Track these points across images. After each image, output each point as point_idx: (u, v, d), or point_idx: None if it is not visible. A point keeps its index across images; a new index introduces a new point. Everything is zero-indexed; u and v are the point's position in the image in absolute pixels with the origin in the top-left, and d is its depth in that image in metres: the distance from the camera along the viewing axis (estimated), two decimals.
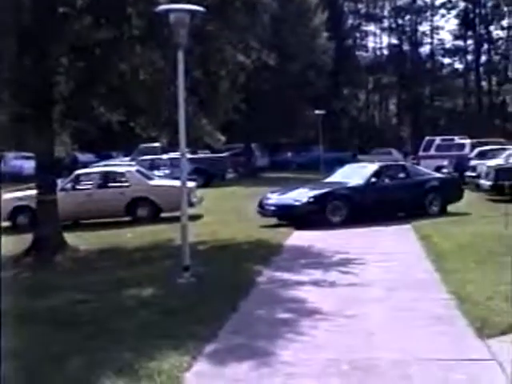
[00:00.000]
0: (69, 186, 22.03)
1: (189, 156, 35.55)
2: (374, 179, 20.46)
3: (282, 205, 19.65)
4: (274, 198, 20.31)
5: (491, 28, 74.52)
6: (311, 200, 19.25)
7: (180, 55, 11.75)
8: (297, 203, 19.27)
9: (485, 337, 7.88)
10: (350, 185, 20.19)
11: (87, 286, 11.36)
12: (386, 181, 20.98)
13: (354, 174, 21.36)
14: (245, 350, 7.74)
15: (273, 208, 19.77)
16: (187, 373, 6.99)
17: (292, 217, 19.36)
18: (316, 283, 11.42)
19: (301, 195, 19.68)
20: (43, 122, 15.49)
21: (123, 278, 11.91)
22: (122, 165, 29.41)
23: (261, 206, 20.29)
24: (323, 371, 6.96)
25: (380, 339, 8.07)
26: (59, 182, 19.02)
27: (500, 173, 23.95)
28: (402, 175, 21.48)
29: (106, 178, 23.06)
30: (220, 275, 11.95)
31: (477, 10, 74.43)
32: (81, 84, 15.74)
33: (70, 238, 16.68)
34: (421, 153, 37.55)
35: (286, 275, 12.20)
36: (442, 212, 20.68)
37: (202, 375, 6.99)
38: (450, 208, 21.19)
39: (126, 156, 42.49)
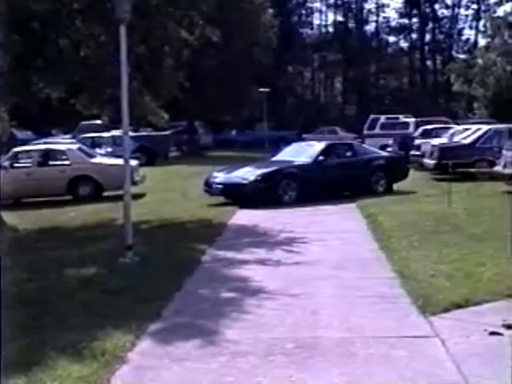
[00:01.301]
0: (7, 164, 21.71)
1: (131, 134, 35.45)
2: (321, 158, 20.54)
3: (230, 183, 19.64)
4: (221, 177, 20.24)
5: (436, 6, 75.46)
6: (259, 178, 19.34)
7: (122, 30, 11.66)
8: (245, 181, 19.32)
9: (428, 314, 8.06)
10: (298, 163, 20.34)
11: (27, 265, 11.24)
12: (334, 159, 21.04)
13: (301, 152, 21.49)
14: (189, 329, 7.80)
15: (220, 186, 19.74)
16: (131, 352, 7.01)
17: (240, 195, 19.37)
18: (261, 262, 11.54)
19: (248, 173, 19.75)
20: None
21: (65, 257, 11.82)
22: (62, 142, 29.07)
23: (207, 184, 20.23)
24: (268, 350, 7.04)
25: (324, 318, 8.20)
26: None
27: (444, 151, 24.31)
28: (348, 154, 21.71)
29: (46, 156, 22.82)
30: (164, 254, 11.95)
31: None
32: (18, 58, 15.47)
33: (9, 217, 16.49)
34: (365, 131, 37.90)
35: (230, 254, 12.28)
36: (388, 190, 21.01)
37: (146, 354, 7.01)
38: (395, 186, 21.48)
39: (67, 134, 41.99)
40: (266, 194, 19.10)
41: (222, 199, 19.80)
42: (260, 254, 12.23)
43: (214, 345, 7.25)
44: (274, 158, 22.32)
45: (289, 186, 19.44)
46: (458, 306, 8.28)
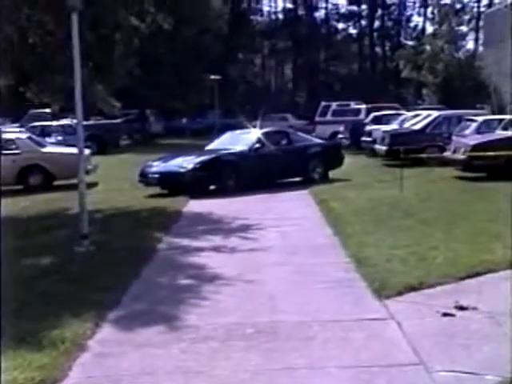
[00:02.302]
0: None
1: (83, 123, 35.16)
2: (258, 145, 20.31)
3: (167, 172, 19.19)
4: (158, 166, 19.77)
5: None
6: (198, 166, 18.94)
7: (74, 19, 11.60)
8: (182, 170, 18.90)
9: (383, 297, 8.24)
10: (236, 151, 20.04)
11: None
12: (271, 147, 20.67)
13: (237, 141, 21.10)
14: (149, 316, 7.88)
15: (157, 176, 19.26)
16: (91, 340, 7.07)
17: (178, 184, 18.93)
18: (216, 249, 11.63)
19: (186, 162, 19.28)
20: None
21: (20, 247, 11.73)
22: (11, 131, 28.70)
23: (143, 174, 19.77)
24: (228, 335, 7.16)
25: (282, 303, 8.33)
26: None
27: (395, 138, 24.64)
28: (284, 142, 21.56)
29: None
30: (119, 243, 11.97)
31: None
32: None
33: None
34: (317, 118, 38.12)
35: (186, 241, 12.35)
36: (324, 178, 21.16)
37: (106, 342, 7.07)
38: (344, 174, 21.66)
39: (14, 122, 41.44)
40: (205, 182, 19.01)
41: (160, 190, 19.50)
42: (215, 241, 12.32)
43: (174, 331, 7.34)
44: (208, 147, 21.93)
45: (227, 175, 19.17)
46: (412, 289, 8.48)
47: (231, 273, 9.82)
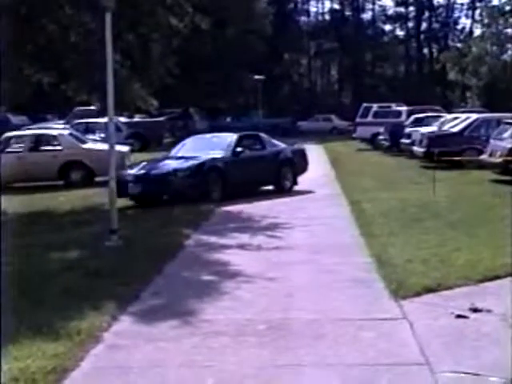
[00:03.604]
0: None
1: (126, 120, 35.62)
2: (239, 149, 18.44)
3: (152, 180, 16.93)
4: (137, 174, 17.36)
5: None
6: (188, 173, 16.99)
7: (108, 18, 11.80)
8: (171, 177, 16.89)
9: (399, 298, 8.25)
10: (218, 156, 17.99)
11: (13, 249, 11.36)
12: (248, 152, 18.96)
13: (209, 145, 18.96)
14: (166, 311, 8.00)
15: (138, 185, 16.82)
16: (106, 332, 7.21)
17: (164, 193, 17.22)
18: (242, 247, 11.72)
19: (171, 168, 17.33)
20: None
21: (51, 241, 12.00)
22: (54, 128, 29.19)
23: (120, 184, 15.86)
24: (240, 330, 7.24)
25: (298, 301, 8.41)
26: None
27: (433, 140, 24.49)
28: (258, 146, 19.77)
29: (38, 141, 22.96)
30: (148, 238, 12.14)
31: None
32: (9, 44, 15.57)
33: None
34: (358, 119, 38.00)
35: (213, 239, 12.46)
36: (294, 184, 19.78)
37: (121, 334, 7.20)
38: (379, 175, 21.60)
39: (61, 119, 42.08)
40: (194, 190, 16.61)
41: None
42: (242, 238, 12.42)
43: (188, 325, 7.45)
44: (172, 153, 19.61)
45: (215, 181, 17.34)
46: (430, 290, 8.47)
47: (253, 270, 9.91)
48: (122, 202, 15.54)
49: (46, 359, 6.29)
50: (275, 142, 20.70)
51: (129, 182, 16.80)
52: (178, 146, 20.19)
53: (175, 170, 17.06)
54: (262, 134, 20.81)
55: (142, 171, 17.38)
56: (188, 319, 7.64)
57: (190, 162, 17.37)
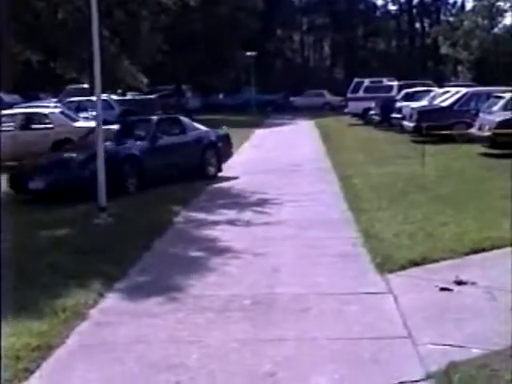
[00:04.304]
0: None
1: (117, 98, 35.44)
2: (157, 135, 16.42)
3: (57, 174, 14.58)
4: (40, 165, 15.26)
5: None
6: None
7: None
8: (82, 170, 14.28)
9: (385, 272, 8.25)
10: (135, 144, 16.03)
11: (3, 227, 11.32)
12: (168, 137, 16.91)
13: (130, 131, 17.48)
14: (153, 287, 7.99)
15: (38, 180, 14.46)
16: (92, 309, 7.20)
17: (70, 187, 14.00)
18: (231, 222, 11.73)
19: (77, 158, 15.02)
20: None
21: (40, 219, 11.96)
22: (45, 106, 28.99)
23: (17, 181, 15.02)
24: (225, 306, 7.24)
25: (284, 275, 8.42)
26: None
27: (422, 114, 24.43)
28: (178, 131, 17.59)
29: (29, 120, 22.78)
30: (138, 215, 12.10)
31: None
32: None
33: None
34: (349, 94, 37.85)
35: (202, 215, 12.44)
36: (218, 171, 17.90)
37: (107, 311, 7.20)
38: (371, 150, 21.53)
39: (55, 97, 41.85)
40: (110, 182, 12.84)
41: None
42: (230, 215, 12.41)
43: (174, 301, 7.45)
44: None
45: (131, 171, 15.12)
46: (415, 264, 8.48)
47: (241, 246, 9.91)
48: None
49: (30, 336, 6.28)
50: (197, 125, 18.51)
51: (29, 176, 14.58)
52: None
53: (82, 160, 14.61)
54: (183, 118, 18.80)
55: (46, 163, 15.31)
56: (174, 295, 7.64)
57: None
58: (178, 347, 6.19)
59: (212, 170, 17.65)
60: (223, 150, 18.26)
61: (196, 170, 17.00)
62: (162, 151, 15.98)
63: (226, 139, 18.96)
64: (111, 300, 7.58)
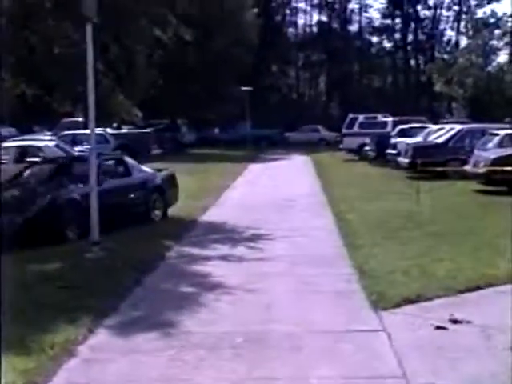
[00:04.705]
0: None
1: (113, 132, 35.49)
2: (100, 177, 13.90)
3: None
4: None
5: (418, 7, 75.54)
6: (38, 209, 13.20)
7: (89, 29, 11.70)
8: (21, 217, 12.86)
9: (379, 309, 8.15)
10: (76, 187, 14.24)
11: None
12: (111, 180, 15.18)
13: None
14: (143, 323, 7.87)
15: None
16: (81, 345, 7.07)
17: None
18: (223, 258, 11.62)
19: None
20: None
21: (31, 253, 11.81)
22: (40, 139, 28.98)
23: None
24: (217, 343, 7.12)
25: (277, 312, 8.27)
26: None
27: (417, 150, 24.46)
28: (123, 172, 16.03)
29: (23, 153, 22.73)
30: (130, 250, 11.95)
31: None
32: None
33: None
34: (344, 130, 37.90)
35: (195, 250, 12.33)
36: (164, 216, 16.27)
37: (97, 348, 7.07)
38: (367, 186, 21.45)
39: (50, 130, 41.85)
40: (44, 231, 12.73)
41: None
42: (223, 250, 12.30)
43: (165, 338, 7.32)
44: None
45: (71, 217, 13.43)
46: (410, 302, 8.39)
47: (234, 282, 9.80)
48: None
49: (16, 375, 6.16)
50: (142, 167, 16.86)
51: None
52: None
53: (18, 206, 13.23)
54: (128, 158, 16.82)
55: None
56: (165, 331, 7.52)
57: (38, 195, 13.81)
58: None
59: (158, 214, 16.02)
60: (169, 193, 16.72)
61: (140, 215, 15.38)
62: (105, 195, 13.55)
63: (172, 181, 17.28)
64: (101, 336, 7.45)
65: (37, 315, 7.91)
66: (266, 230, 14.27)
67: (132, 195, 15.65)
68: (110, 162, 16.46)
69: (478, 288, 8.89)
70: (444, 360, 6.47)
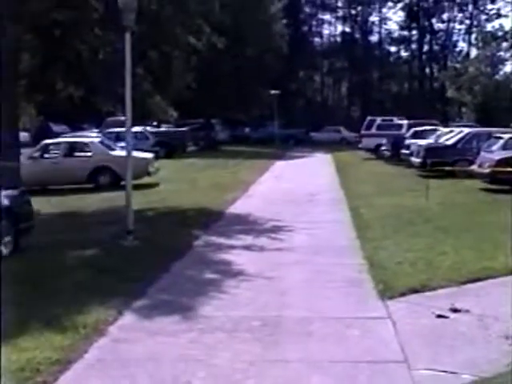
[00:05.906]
0: (37, 154, 21.85)
1: (152, 130, 35.56)
2: None
3: None
4: None
5: (433, 21, 74.90)
6: None
7: (127, 36, 11.63)
8: None
9: (386, 298, 7.99)
10: None
11: (36, 247, 11.15)
12: None
13: None
14: (169, 307, 7.78)
15: None
16: (111, 326, 7.01)
17: None
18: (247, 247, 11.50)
19: None
20: (8, 96, 15.14)
21: (72, 239, 11.80)
22: (87, 136, 29.06)
23: None
24: (235, 327, 7.02)
25: (292, 299, 8.16)
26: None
27: (428, 151, 24.18)
28: None
29: (72, 148, 22.83)
30: (161, 239, 11.90)
31: (421, 4, 74.41)
32: (42, 62, 15.49)
33: (34, 202, 16.45)
34: (363, 131, 37.56)
35: (220, 240, 12.22)
36: (16, 249, 10.61)
37: (125, 328, 7.00)
38: (378, 182, 21.18)
39: (97, 128, 41.98)
40: None
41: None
42: (247, 240, 12.16)
43: (187, 321, 7.24)
44: None
45: None
46: (415, 291, 8.22)
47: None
48: (142, 205, 15.39)
49: (52, 350, 6.12)
50: None
51: None
52: None
53: None
54: None
55: None
56: (187, 315, 7.44)
57: None
58: (187, 365, 5.98)
59: (4, 247, 10.33)
60: (21, 218, 11.10)
61: None
62: None
63: (26, 203, 11.82)
64: (129, 317, 7.38)
65: (73, 297, 7.87)
66: (286, 222, 14.10)
67: None
68: None
69: (477, 280, 8.71)
70: (443, 347, 6.33)
